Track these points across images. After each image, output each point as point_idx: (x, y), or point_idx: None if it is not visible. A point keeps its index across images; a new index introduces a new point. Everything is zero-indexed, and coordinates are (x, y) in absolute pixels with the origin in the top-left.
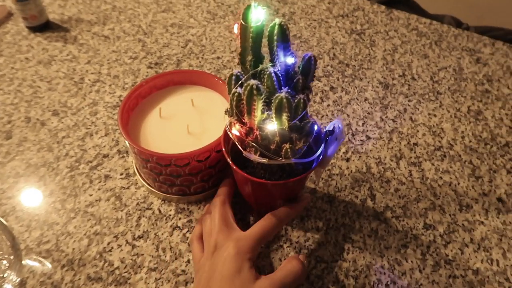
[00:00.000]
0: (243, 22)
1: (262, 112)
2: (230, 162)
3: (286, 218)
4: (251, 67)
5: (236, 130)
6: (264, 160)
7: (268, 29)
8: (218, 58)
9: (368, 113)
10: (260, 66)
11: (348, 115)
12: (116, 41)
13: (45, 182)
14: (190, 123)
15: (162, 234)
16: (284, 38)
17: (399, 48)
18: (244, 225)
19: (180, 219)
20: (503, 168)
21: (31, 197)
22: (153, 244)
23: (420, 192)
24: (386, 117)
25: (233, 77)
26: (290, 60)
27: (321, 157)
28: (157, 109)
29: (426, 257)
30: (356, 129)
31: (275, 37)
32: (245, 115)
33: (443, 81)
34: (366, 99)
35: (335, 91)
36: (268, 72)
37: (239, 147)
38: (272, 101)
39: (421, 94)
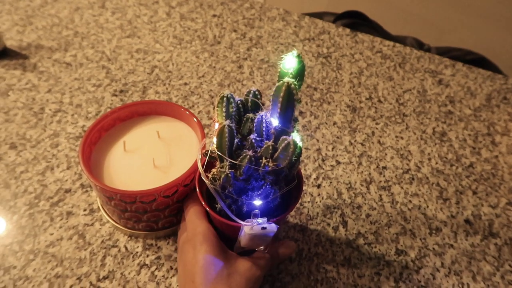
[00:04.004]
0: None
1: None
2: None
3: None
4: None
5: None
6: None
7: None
8: (186, 84)
9: (337, 137)
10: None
11: (317, 140)
12: (79, 68)
13: (1, 222)
14: (156, 156)
15: (129, 273)
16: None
17: (365, 70)
18: None
19: (148, 256)
20: (469, 189)
21: None
22: (119, 285)
23: (391, 217)
24: (355, 141)
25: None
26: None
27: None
28: (121, 142)
29: (399, 284)
30: (326, 154)
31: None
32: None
33: (408, 103)
34: (334, 123)
35: (304, 115)
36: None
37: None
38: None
39: (387, 117)
